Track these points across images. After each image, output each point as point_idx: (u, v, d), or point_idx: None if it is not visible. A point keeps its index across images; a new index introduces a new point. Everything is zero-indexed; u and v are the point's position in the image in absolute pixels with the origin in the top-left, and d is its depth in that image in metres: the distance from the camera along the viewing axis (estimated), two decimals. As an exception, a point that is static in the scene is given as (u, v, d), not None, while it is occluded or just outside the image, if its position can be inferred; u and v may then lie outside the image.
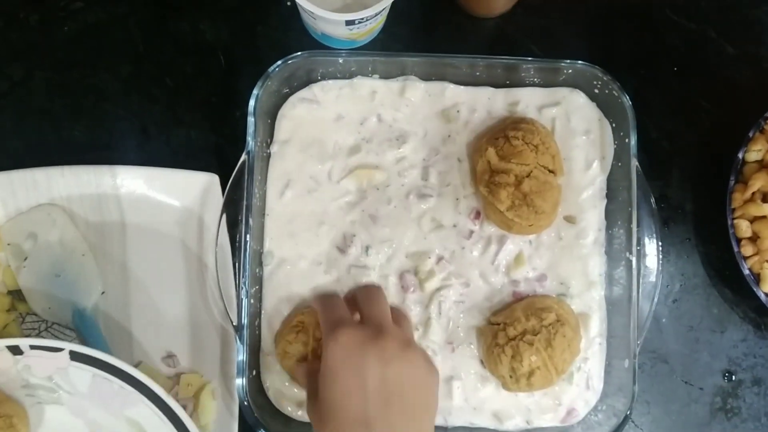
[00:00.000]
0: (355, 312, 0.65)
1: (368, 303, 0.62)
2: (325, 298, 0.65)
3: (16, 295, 0.70)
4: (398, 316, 0.65)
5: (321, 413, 0.56)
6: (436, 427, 0.69)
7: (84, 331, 0.68)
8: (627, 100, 0.69)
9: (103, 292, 0.70)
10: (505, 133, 0.68)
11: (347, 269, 0.70)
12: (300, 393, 0.69)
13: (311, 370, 0.61)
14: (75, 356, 0.62)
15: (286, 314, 0.70)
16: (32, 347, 0.62)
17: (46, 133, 0.74)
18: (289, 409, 0.69)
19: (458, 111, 0.72)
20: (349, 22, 0.66)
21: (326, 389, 0.55)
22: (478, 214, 0.71)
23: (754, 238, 0.71)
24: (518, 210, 0.67)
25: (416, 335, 0.70)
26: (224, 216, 0.67)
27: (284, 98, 0.72)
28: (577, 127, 0.72)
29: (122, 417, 0.63)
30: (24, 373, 0.63)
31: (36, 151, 0.73)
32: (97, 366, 0.62)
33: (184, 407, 0.67)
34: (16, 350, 0.62)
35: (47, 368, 0.62)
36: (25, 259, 0.69)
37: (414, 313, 0.70)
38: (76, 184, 0.70)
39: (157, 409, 0.62)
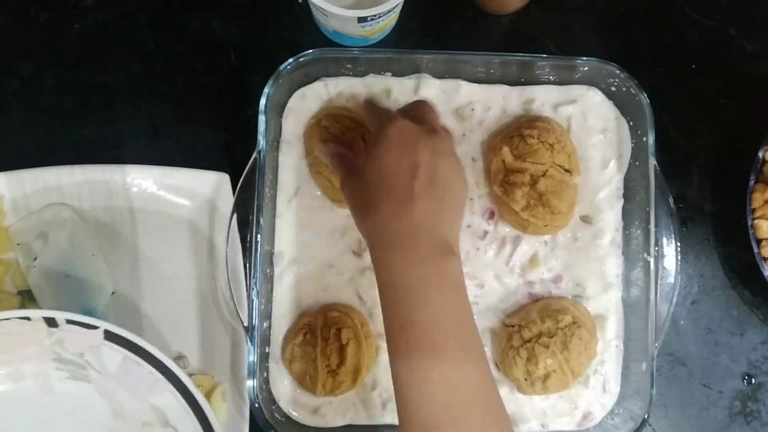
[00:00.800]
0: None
1: (422, 110, 0.63)
2: (376, 103, 0.67)
3: (26, 294, 0.69)
4: (446, 128, 0.66)
5: (363, 182, 0.58)
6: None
7: (94, 331, 0.68)
8: (645, 98, 0.68)
9: (113, 293, 0.70)
10: (520, 131, 0.67)
11: (361, 272, 0.69)
12: (312, 399, 0.68)
13: (343, 153, 0.64)
14: (109, 336, 0.61)
15: (296, 315, 0.69)
16: (68, 321, 0.61)
17: (56, 132, 0.74)
18: (298, 415, 0.68)
19: (472, 109, 0.71)
20: (361, 19, 0.65)
21: (378, 159, 0.57)
22: (492, 214, 0.70)
23: (775, 239, 0.69)
24: (533, 210, 0.66)
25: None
26: (235, 216, 0.67)
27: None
28: (593, 125, 0.71)
29: (147, 403, 0.63)
30: (56, 347, 0.62)
31: (46, 150, 0.72)
32: (130, 348, 0.61)
33: (195, 409, 0.67)
34: (51, 322, 0.61)
35: (80, 344, 0.62)
36: (35, 258, 0.69)
37: (427, 314, 0.69)
38: (86, 183, 0.70)
39: (182, 399, 0.61)
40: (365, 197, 0.58)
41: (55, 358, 0.63)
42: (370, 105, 0.68)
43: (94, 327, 0.61)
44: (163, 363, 0.61)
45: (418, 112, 0.62)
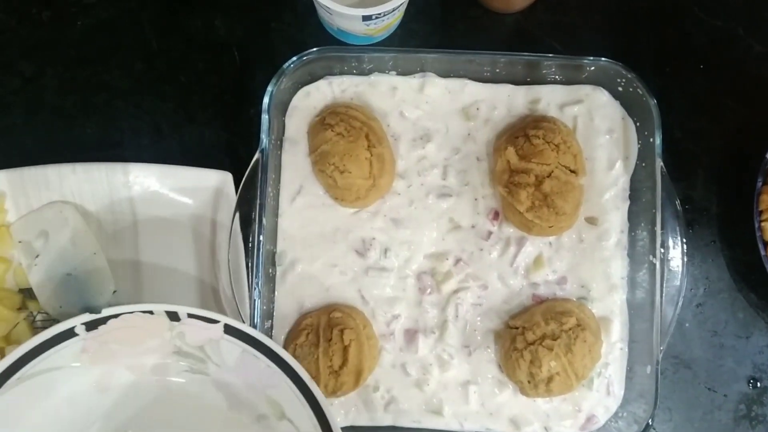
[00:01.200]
0: None
1: None
2: None
3: (27, 293, 0.69)
4: None
5: None
6: (453, 433, 0.68)
7: (95, 330, 0.67)
8: (651, 99, 0.67)
9: (114, 291, 0.69)
10: (526, 131, 0.67)
11: (365, 271, 0.69)
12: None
13: None
14: (228, 330, 0.62)
15: (298, 315, 0.69)
16: (190, 315, 0.61)
17: (58, 131, 0.73)
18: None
19: (477, 108, 0.70)
20: (366, 18, 0.64)
21: None
22: (496, 215, 0.69)
23: (781, 242, 0.69)
24: (538, 211, 0.66)
25: (432, 338, 0.68)
26: (237, 215, 0.66)
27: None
28: (599, 125, 0.70)
29: (263, 395, 0.63)
30: (177, 340, 0.63)
31: (47, 148, 0.72)
32: (249, 342, 0.62)
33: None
34: (173, 316, 0.62)
35: (200, 338, 0.62)
36: (37, 257, 0.68)
37: (431, 315, 0.69)
38: (88, 181, 0.69)
39: (299, 393, 0.61)
40: None
41: (176, 351, 0.63)
42: None
43: (215, 321, 0.61)
44: (280, 357, 0.61)
45: None
